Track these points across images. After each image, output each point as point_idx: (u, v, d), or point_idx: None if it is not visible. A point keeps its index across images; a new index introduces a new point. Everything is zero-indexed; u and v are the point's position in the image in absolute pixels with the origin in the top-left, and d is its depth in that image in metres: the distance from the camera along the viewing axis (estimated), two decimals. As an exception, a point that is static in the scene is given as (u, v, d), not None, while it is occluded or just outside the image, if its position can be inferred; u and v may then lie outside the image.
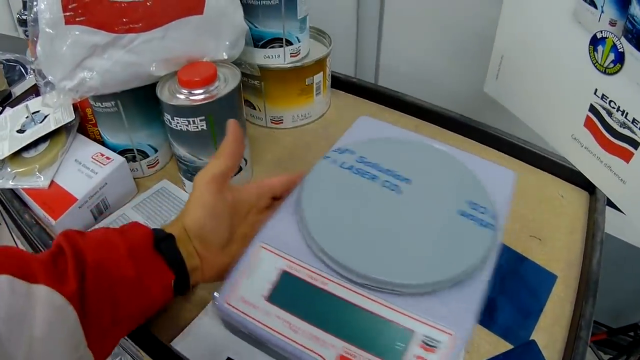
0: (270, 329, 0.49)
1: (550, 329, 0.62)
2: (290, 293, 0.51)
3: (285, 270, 0.52)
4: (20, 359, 0.39)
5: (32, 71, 0.88)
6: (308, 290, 0.51)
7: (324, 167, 0.61)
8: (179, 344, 0.59)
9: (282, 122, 0.90)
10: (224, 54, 0.72)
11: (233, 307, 0.51)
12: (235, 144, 0.58)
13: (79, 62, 0.65)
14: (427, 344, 0.47)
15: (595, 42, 0.59)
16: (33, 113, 0.77)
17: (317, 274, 0.52)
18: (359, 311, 0.50)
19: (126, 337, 0.58)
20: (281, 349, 0.49)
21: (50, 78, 0.66)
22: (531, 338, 0.61)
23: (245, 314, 0.50)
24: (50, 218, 0.67)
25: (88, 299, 0.45)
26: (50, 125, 0.74)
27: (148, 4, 0.65)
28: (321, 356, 0.48)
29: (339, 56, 1.01)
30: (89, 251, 0.47)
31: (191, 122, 0.66)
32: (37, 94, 0.87)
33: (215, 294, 0.52)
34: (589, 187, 0.79)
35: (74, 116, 0.75)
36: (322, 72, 0.86)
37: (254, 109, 0.89)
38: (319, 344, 0.48)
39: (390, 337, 0.48)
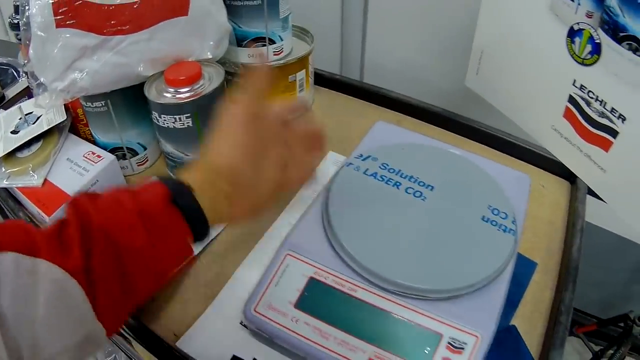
0: (300, 335, 0.51)
1: (530, 316, 0.63)
2: (318, 299, 0.53)
3: (313, 277, 0.54)
4: (27, 340, 0.38)
5: (24, 74, 0.90)
6: (335, 296, 0.53)
7: (348, 173, 0.63)
8: (185, 343, 0.59)
9: (267, 119, 0.91)
10: (209, 53, 0.74)
11: (262, 315, 0.52)
12: (265, 79, 0.54)
13: (70, 63, 0.67)
14: (454, 346, 0.49)
15: (572, 34, 0.60)
16: (26, 114, 0.79)
17: (345, 280, 0.53)
18: (387, 316, 0.51)
19: (132, 336, 0.60)
20: (311, 355, 0.50)
21: (42, 80, 0.68)
22: (511, 324, 0.62)
23: (274, 322, 0.52)
24: (44, 215, 0.69)
25: (94, 271, 0.42)
26: (43, 126, 0.76)
27: (135, 6, 0.67)
28: None
29: (325, 54, 1.02)
30: (96, 217, 0.44)
31: (177, 119, 0.68)
32: (30, 96, 0.89)
33: (245, 304, 0.53)
34: (570, 177, 0.80)
35: (66, 116, 0.77)
36: (304, 70, 0.88)
37: (240, 106, 0.90)
38: (348, 349, 0.49)
39: (419, 341, 0.50)
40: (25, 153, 0.75)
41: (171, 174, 0.78)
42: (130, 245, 0.44)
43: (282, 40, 0.83)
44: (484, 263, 0.54)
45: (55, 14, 0.64)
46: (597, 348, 1.52)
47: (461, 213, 0.59)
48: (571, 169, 0.71)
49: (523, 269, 0.68)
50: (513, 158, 0.85)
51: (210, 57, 0.74)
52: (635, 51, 0.53)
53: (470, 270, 0.53)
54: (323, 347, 0.50)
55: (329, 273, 0.54)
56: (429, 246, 0.55)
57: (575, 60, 0.61)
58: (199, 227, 0.48)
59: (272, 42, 0.82)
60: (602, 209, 0.67)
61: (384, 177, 0.62)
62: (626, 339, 1.35)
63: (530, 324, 0.62)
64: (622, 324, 1.36)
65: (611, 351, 1.41)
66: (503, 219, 0.58)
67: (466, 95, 0.87)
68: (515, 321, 0.62)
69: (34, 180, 0.72)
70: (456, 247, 0.56)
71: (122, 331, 0.61)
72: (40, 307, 0.39)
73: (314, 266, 0.55)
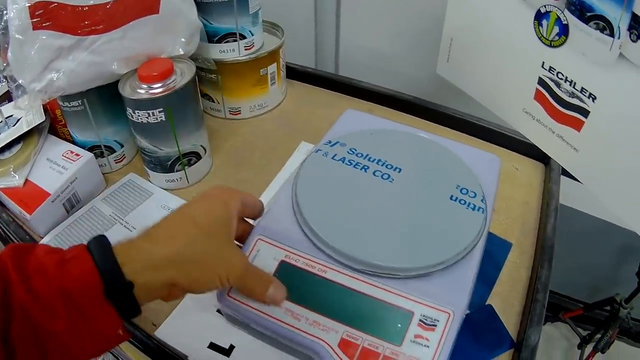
0: (272, 317, 0.51)
1: (507, 295, 0.64)
2: (290, 282, 0.53)
3: (284, 260, 0.54)
4: None
5: (3, 78, 0.91)
6: (307, 278, 0.53)
7: (317, 159, 0.63)
8: (163, 332, 0.60)
9: (239, 113, 0.93)
10: (180, 50, 0.76)
11: (235, 299, 0.53)
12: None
13: (47, 64, 0.68)
14: (426, 324, 0.49)
15: (539, 16, 0.61)
16: (6, 117, 0.80)
17: (315, 262, 0.54)
18: (358, 296, 0.51)
19: None
20: (285, 337, 0.51)
21: (21, 81, 0.69)
22: (487, 303, 0.63)
23: (247, 305, 0.52)
24: (25, 213, 0.70)
25: (15, 347, 0.39)
26: (23, 127, 0.77)
27: (107, 6, 0.68)
28: (325, 341, 0.49)
29: (299, 48, 1.03)
30: (18, 289, 0.39)
31: (151, 114, 0.70)
32: (10, 100, 0.90)
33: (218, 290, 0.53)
34: (543, 159, 0.81)
35: (45, 117, 0.78)
36: (275, 63, 0.90)
37: (213, 101, 0.92)
38: (321, 329, 0.50)
39: (391, 319, 0.50)
40: (7, 155, 0.76)
41: (147, 170, 0.79)
42: (50, 329, 0.40)
43: (252, 35, 0.85)
44: (454, 241, 0.54)
45: (32, 16, 0.65)
46: (584, 333, 1.53)
47: (429, 193, 0.59)
48: (544, 150, 0.71)
49: (498, 250, 0.69)
50: (486, 142, 0.86)
51: (182, 53, 0.76)
52: (602, 30, 0.54)
53: (440, 248, 0.53)
54: (296, 328, 0.50)
55: (300, 256, 0.54)
56: (397, 226, 0.56)
57: (544, 43, 0.62)
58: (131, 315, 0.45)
59: (242, 37, 0.84)
60: (584, 193, 0.67)
61: (352, 161, 0.63)
62: (613, 322, 1.35)
63: (507, 302, 0.63)
64: (608, 308, 1.37)
65: (599, 335, 1.41)
66: (472, 197, 0.58)
67: (440, 84, 0.88)
68: (492, 301, 0.63)
69: (16, 180, 0.73)
70: (425, 226, 0.56)
71: None
72: None
73: (285, 250, 0.55)
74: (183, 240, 0.46)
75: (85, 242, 0.44)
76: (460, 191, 0.59)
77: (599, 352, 1.43)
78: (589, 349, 1.48)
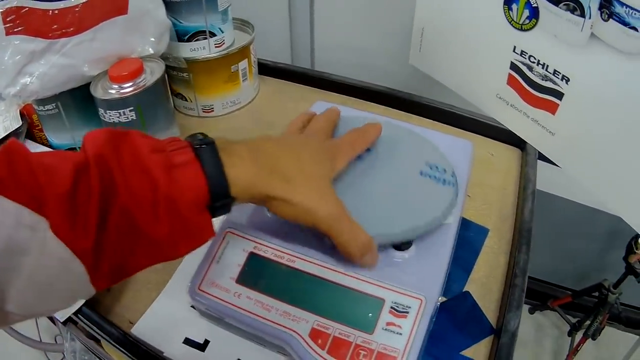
0: (243, 309, 0.51)
1: (486, 281, 0.64)
2: (259, 273, 0.53)
3: (253, 251, 0.54)
4: (12, 292, 0.35)
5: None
6: (276, 269, 0.53)
7: None
8: (139, 329, 0.60)
9: (212, 111, 0.93)
10: (150, 49, 0.76)
11: (205, 292, 0.53)
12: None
13: (20, 68, 0.68)
14: (398, 311, 0.49)
15: (509, 1, 0.61)
16: (-18, 124, 0.80)
17: (283, 252, 0.54)
18: (328, 285, 0.51)
19: (89, 327, 0.60)
20: (256, 329, 0.51)
21: (-4, 87, 0.70)
22: (465, 290, 0.63)
23: (218, 298, 0.52)
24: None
25: (104, 252, 0.39)
26: (0, 133, 0.77)
27: (76, 9, 0.69)
28: (295, 331, 0.49)
29: (274, 45, 1.04)
30: (123, 192, 0.39)
31: (122, 114, 0.70)
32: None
33: (188, 283, 0.54)
34: (519, 144, 0.81)
35: (22, 122, 0.78)
36: (246, 59, 0.90)
37: (186, 100, 0.92)
38: (291, 319, 0.50)
39: (361, 307, 0.50)
40: (-15, 162, 0.76)
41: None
42: (151, 235, 0.40)
43: (222, 32, 0.85)
44: (424, 214, 0.54)
45: (5, 22, 0.66)
46: (574, 320, 1.54)
47: (399, 170, 0.59)
48: (520, 135, 0.71)
49: (475, 236, 0.69)
50: (460, 130, 0.86)
51: (152, 52, 0.76)
52: (573, 11, 0.54)
53: (410, 222, 0.53)
54: (266, 319, 0.50)
55: (268, 247, 0.54)
56: (368, 203, 0.55)
57: (514, 27, 0.62)
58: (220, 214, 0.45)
59: (212, 34, 0.84)
60: (567, 181, 0.67)
61: None
62: (602, 308, 1.35)
63: (485, 288, 0.63)
64: (597, 294, 1.37)
65: (588, 321, 1.42)
66: (442, 172, 0.58)
67: (413, 75, 0.88)
68: (470, 287, 0.63)
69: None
70: (395, 201, 0.56)
71: (90, 331, 0.61)
72: (37, 274, 0.36)
73: (254, 241, 0.55)
74: (284, 175, 0.47)
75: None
76: (430, 167, 0.59)
77: (590, 339, 1.44)
78: (579, 335, 1.49)
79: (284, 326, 0.50)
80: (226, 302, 0.52)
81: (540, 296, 1.60)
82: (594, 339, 1.45)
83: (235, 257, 0.54)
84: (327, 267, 0.53)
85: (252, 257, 0.54)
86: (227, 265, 0.54)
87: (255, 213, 0.58)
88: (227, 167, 0.43)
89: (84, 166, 0.38)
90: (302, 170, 0.48)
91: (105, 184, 0.38)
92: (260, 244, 0.55)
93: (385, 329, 0.49)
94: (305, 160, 0.49)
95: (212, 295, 0.52)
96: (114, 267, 0.40)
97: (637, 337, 1.45)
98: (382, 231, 0.52)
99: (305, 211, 0.47)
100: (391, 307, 0.50)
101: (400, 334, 0.48)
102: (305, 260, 0.53)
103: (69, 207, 0.37)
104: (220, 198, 0.42)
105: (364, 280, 0.51)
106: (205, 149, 0.43)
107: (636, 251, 1.20)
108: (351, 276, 0.52)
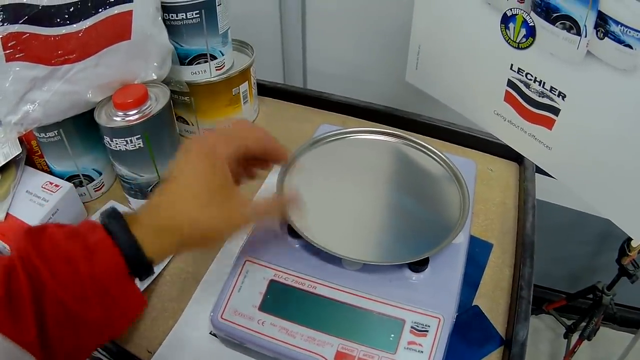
0: (268, 336, 0.52)
1: (492, 294, 0.65)
2: (281, 300, 0.54)
3: (273, 279, 0.55)
4: None
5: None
6: (297, 295, 0.54)
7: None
8: (159, 358, 0.60)
9: (214, 134, 0.93)
10: (153, 74, 0.76)
11: (228, 321, 0.53)
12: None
13: (22, 95, 0.67)
14: (418, 330, 0.51)
15: (506, 20, 0.62)
16: (-19, 151, 0.80)
17: (304, 279, 0.55)
18: (349, 309, 0.53)
19: (105, 355, 0.61)
20: (282, 354, 0.52)
21: (-4, 114, 0.69)
22: (474, 304, 0.64)
23: (242, 326, 0.53)
24: (8, 248, 0.70)
25: (50, 342, 0.41)
26: (0, 161, 0.76)
27: (79, 35, 0.68)
28: (321, 355, 0.50)
29: (267, 65, 1.03)
30: (50, 283, 0.41)
31: (129, 142, 0.69)
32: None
33: (211, 313, 0.54)
34: (517, 159, 0.82)
35: (21, 149, 0.77)
36: (247, 82, 0.90)
37: (187, 123, 0.92)
38: (316, 344, 0.51)
39: (383, 329, 0.51)
40: (-14, 189, 0.75)
41: (127, 197, 0.79)
42: (86, 318, 0.42)
43: (223, 55, 0.85)
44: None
45: (5, 48, 0.65)
46: (569, 322, 1.55)
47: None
48: (518, 150, 0.72)
49: (480, 251, 0.70)
50: (459, 146, 0.87)
51: (155, 78, 0.76)
52: (569, 30, 0.55)
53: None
54: (292, 345, 0.51)
55: (289, 274, 0.56)
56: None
57: (511, 45, 0.63)
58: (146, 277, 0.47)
59: (213, 57, 0.84)
60: (556, 187, 0.68)
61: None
62: (597, 309, 1.37)
63: (493, 302, 0.64)
64: (591, 296, 1.39)
65: (584, 323, 1.43)
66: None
67: (409, 92, 0.88)
68: (478, 301, 0.64)
69: (-3, 215, 0.73)
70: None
71: (101, 356, 0.62)
72: None
73: (274, 269, 0.56)
74: (187, 218, 0.47)
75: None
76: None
77: (586, 340, 1.45)
78: (575, 337, 1.50)
79: (310, 351, 0.51)
80: (251, 329, 0.53)
81: (535, 300, 1.60)
82: (589, 339, 1.46)
83: (256, 285, 0.55)
84: (348, 292, 0.54)
85: (273, 285, 0.55)
86: (249, 293, 0.55)
87: (274, 241, 0.59)
88: (135, 230, 0.45)
89: (13, 268, 0.41)
90: (200, 205, 0.48)
91: (33, 280, 0.41)
92: (280, 271, 0.56)
93: (407, 348, 0.50)
94: (195, 189, 0.49)
95: (236, 324, 0.53)
96: (70, 353, 0.43)
97: (633, 336, 1.47)
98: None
99: (214, 240, 0.51)
100: (411, 327, 0.51)
101: (422, 351, 0.50)
102: (326, 286, 0.54)
103: (8, 307, 0.39)
104: (138, 264, 0.45)
105: (383, 302, 0.53)
106: (113, 224, 0.45)
107: (629, 253, 1.22)
108: (372, 299, 0.53)
